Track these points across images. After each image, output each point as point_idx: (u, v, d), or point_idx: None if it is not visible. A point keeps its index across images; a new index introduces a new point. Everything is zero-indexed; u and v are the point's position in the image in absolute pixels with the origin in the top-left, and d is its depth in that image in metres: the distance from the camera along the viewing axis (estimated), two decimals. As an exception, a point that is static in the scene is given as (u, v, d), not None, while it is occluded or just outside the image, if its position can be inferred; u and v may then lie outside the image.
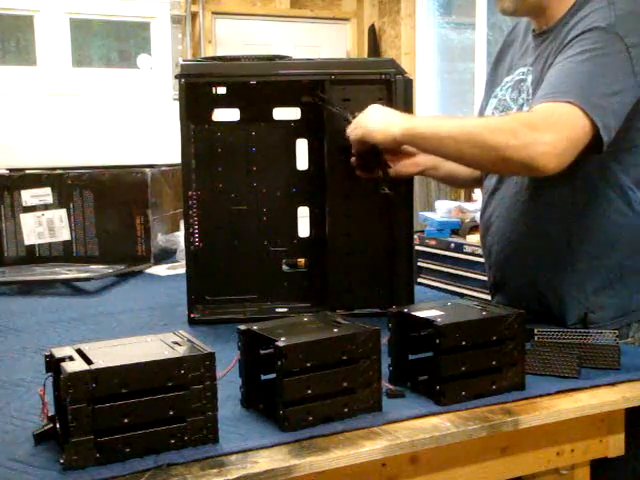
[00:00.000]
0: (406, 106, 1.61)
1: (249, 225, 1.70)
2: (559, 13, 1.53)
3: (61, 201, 2.33)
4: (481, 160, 1.44)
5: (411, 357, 1.22)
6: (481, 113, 1.75)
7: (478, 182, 1.82)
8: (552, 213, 1.54)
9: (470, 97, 5.71)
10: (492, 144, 1.36)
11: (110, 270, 2.20)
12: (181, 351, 1.01)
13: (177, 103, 1.60)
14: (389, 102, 1.60)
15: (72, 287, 2.09)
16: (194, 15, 6.09)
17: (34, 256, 2.33)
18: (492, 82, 1.73)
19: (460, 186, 1.83)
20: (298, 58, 1.68)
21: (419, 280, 4.70)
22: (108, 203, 2.33)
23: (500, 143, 1.35)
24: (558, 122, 1.34)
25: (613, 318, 1.52)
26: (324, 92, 1.60)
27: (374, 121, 1.50)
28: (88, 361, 0.97)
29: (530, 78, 1.56)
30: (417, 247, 4.73)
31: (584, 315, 1.52)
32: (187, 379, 0.99)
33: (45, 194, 2.32)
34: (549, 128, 1.34)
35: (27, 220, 2.33)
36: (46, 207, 2.33)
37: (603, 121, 1.36)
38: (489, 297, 1.78)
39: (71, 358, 0.99)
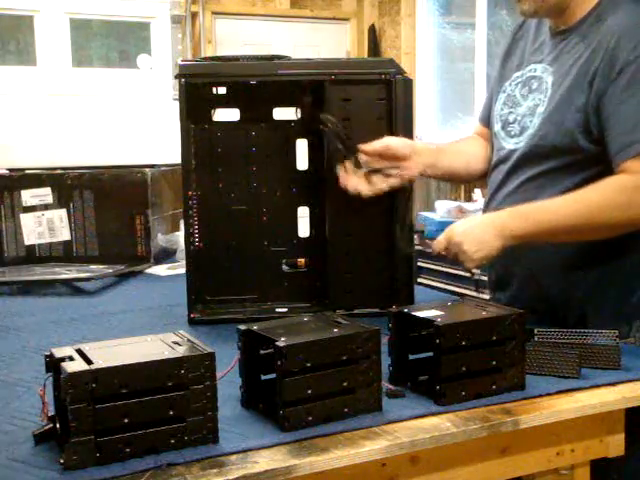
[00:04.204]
0: (406, 106, 1.61)
1: (249, 225, 1.70)
2: (580, 13, 1.52)
3: (61, 201, 2.33)
4: (604, 236, 1.47)
5: (411, 357, 1.22)
6: (489, 107, 1.75)
7: (478, 179, 1.82)
8: None
9: (470, 97, 5.71)
10: (614, 223, 1.41)
11: (110, 270, 2.20)
12: (181, 351, 1.01)
13: (177, 103, 1.60)
14: (389, 102, 1.60)
15: (72, 287, 2.09)
16: (194, 15, 6.09)
17: (34, 256, 2.33)
18: (501, 76, 1.72)
19: (459, 183, 1.84)
20: (298, 58, 1.67)
21: (419, 280, 4.70)
22: (108, 203, 2.33)
23: (618, 221, 1.40)
24: None
25: (614, 317, 1.52)
26: (324, 92, 1.60)
27: (473, 251, 1.45)
28: (88, 361, 0.97)
29: (550, 79, 1.55)
30: (417, 247, 4.72)
31: (586, 314, 1.53)
32: (187, 379, 0.99)
33: (45, 194, 2.32)
34: None
35: (27, 220, 2.33)
36: (46, 207, 2.33)
37: None
38: (488, 296, 1.78)
39: (71, 358, 0.99)
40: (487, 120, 1.78)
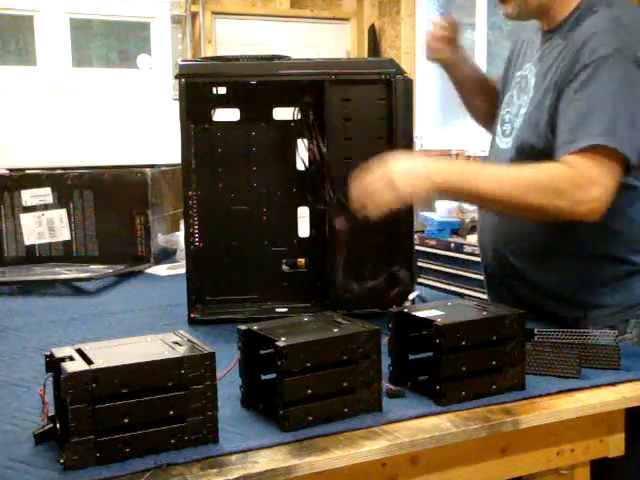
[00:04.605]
0: (406, 106, 1.61)
1: (249, 225, 1.70)
2: (562, 14, 1.54)
3: (61, 201, 2.33)
4: (524, 215, 1.47)
5: (411, 357, 1.22)
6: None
7: (474, 116, 1.88)
8: None
9: (470, 97, 5.70)
10: (537, 206, 1.38)
11: (110, 270, 2.20)
12: (181, 351, 1.01)
13: (177, 103, 1.60)
14: (389, 102, 1.60)
15: (72, 287, 2.09)
16: (194, 15, 6.09)
17: (34, 256, 2.33)
18: (506, 78, 1.75)
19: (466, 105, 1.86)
20: (298, 58, 1.67)
21: (419, 280, 4.70)
22: (108, 203, 2.33)
23: (543, 204, 1.38)
24: (597, 174, 1.37)
25: (611, 315, 1.53)
26: (324, 92, 1.60)
27: (406, 192, 1.38)
28: (88, 361, 0.97)
29: (533, 80, 1.57)
30: (417, 247, 4.73)
31: (582, 313, 1.53)
32: (187, 379, 0.99)
33: (45, 194, 2.32)
34: (592, 183, 1.37)
35: (27, 220, 2.33)
36: (46, 207, 2.33)
37: (633, 149, 1.38)
38: (486, 295, 1.80)
39: (71, 358, 0.99)
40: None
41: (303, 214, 1.72)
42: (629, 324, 1.53)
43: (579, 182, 1.37)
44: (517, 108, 1.61)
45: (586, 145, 1.37)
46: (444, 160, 1.48)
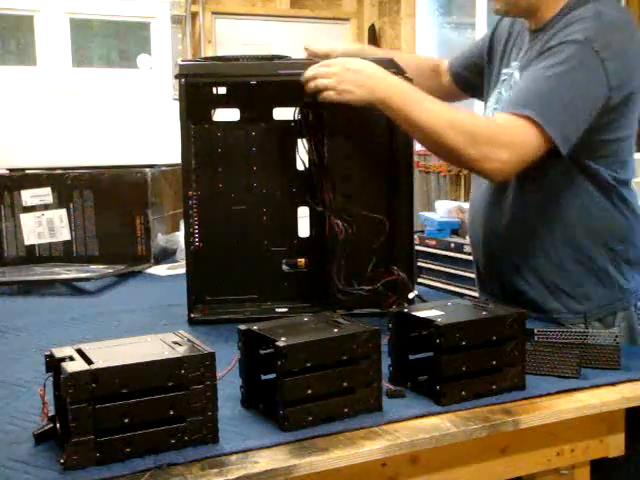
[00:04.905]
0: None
1: (249, 225, 1.70)
2: (550, 14, 1.56)
3: (61, 201, 2.33)
4: (436, 151, 1.51)
5: (411, 357, 1.22)
6: (466, 57, 1.86)
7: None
8: (533, 205, 1.57)
9: (470, 97, 5.71)
10: (451, 147, 1.42)
11: (110, 270, 2.20)
12: (181, 351, 1.01)
13: (177, 103, 1.60)
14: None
15: (72, 287, 2.09)
16: (194, 15, 6.10)
17: (34, 256, 2.33)
18: (491, 72, 1.76)
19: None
20: (298, 58, 1.68)
21: (419, 280, 4.70)
22: (108, 203, 2.33)
23: (458, 147, 1.41)
24: (515, 140, 1.41)
25: (598, 307, 1.54)
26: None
27: (348, 89, 1.46)
28: (88, 361, 0.97)
29: (517, 75, 1.60)
30: (417, 247, 4.73)
31: (571, 306, 1.54)
32: (187, 379, 0.99)
33: (45, 194, 2.32)
34: (506, 146, 1.41)
35: (27, 220, 2.33)
36: (46, 207, 2.33)
37: (562, 134, 1.41)
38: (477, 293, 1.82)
39: (71, 358, 0.99)
40: (456, 64, 1.87)
41: (303, 214, 1.72)
42: (617, 317, 1.55)
43: (496, 140, 1.41)
44: (502, 103, 1.63)
45: (520, 114, 1.41)
46: (395, 82, 1.48)
